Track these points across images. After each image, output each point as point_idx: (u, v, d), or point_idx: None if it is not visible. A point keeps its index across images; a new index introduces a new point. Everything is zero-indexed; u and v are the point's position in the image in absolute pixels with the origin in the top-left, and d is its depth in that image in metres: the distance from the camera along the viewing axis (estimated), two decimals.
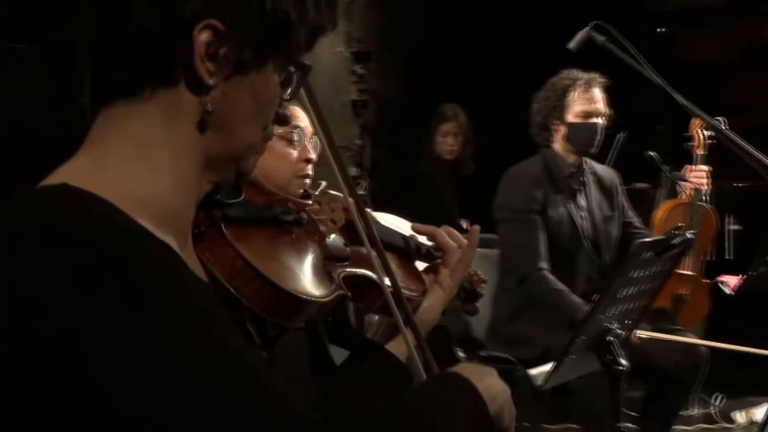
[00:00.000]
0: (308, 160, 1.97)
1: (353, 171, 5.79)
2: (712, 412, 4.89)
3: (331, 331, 1.80)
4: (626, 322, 2.46)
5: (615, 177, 3.93)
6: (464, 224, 5.07)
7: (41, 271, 0.92)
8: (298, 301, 1.22)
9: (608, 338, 2.35)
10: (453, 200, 5.67)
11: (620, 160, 5.11)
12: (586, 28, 3.00)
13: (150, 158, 1.04)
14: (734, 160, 2.85)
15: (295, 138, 1.96)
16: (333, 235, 1.42)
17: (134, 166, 1.03)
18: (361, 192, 5.31)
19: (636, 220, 3.92)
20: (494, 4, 6.59)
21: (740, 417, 4.89)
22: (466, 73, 6.24)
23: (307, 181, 1.96)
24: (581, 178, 3.78)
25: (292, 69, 1.12)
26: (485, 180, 4.19)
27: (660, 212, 4.00)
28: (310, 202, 1.46)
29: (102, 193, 0.98)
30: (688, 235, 2.50)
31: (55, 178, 1.01)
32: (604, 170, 3.95)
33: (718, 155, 3.81)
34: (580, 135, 3.70)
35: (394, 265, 1.47)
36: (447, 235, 1.63)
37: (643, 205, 4.31)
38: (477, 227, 1.68)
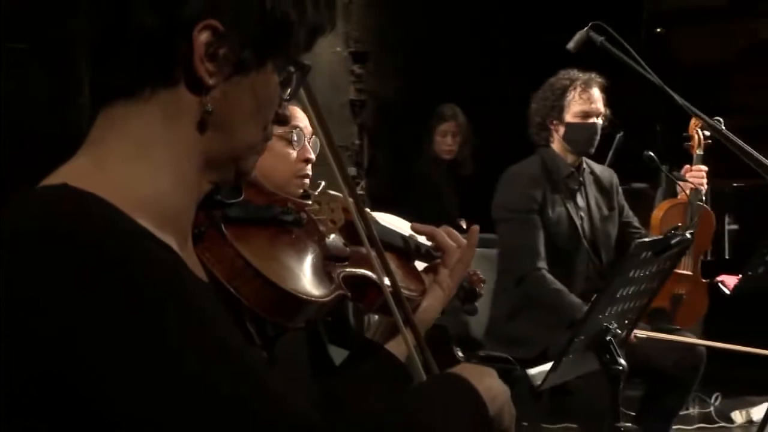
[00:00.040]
0: (307, 160, 1.97)
1: (352, 171, 5.79)
2: (711, 411, 4.90)
3: (330, 331, 1.80)
4: (625, 321, 2.46)
5: (613, 177, 3.93)
6: (463, 224, 5.09)
7: (41, 271, 0.92)
8: (298, 301, 1.22)
9: (607, 338, 2.36)
10: (452, 200, 5.67)
11: (618, 160, 5.11)
12: (585, 29, 3.01)
13: (150, 158, 1.04)
14: (732, 160, 2.85)
15: (295, 138, 1.96)
16: (333, 235, 1.42)
17: (134, 166, 1.03)
18: (359, 192, 5.31)
19: (634, 220, 3.93)
20: (493, 4, 6.59)
21: (739, 416, 4.90)
22: (464, 73, 6.25)
23: (307, 181, 1.96)
24: (580, 178, 3.78)
25: (292, 69, 1.12)
26: (484, 180, 4.19)
27: (658, 212, 3.99)
28: (310, 202, 1.46)
29: (102, 194, 0.98)
30: (687, 234, 2.50)
31: (55, 179, 1.01)
32: (602, 170, 3.95)
33: (717, 155, 3.81)
34: (579, 135, 3.71)
35: (393, 265, 1.47)
36: (446, 235, 1.63)
37: (642, 204, 4.31)
38: (476, 227, 1.68)
